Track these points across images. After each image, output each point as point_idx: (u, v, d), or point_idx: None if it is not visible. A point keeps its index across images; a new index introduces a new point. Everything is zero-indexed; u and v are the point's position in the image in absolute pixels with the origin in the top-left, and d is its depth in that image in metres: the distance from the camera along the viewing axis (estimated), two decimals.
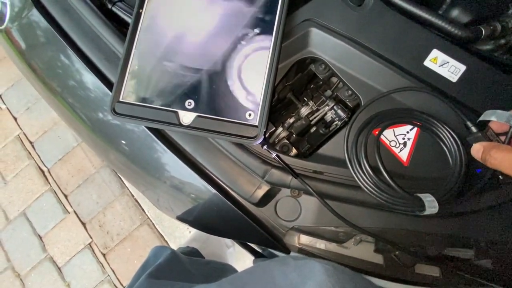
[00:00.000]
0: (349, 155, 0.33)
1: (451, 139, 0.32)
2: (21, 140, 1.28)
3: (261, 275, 0.32)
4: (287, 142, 0.40)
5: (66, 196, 1.22)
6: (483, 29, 0.35)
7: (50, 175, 1.24)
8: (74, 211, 1.20)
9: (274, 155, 0.34)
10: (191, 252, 0.78)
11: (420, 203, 0.29)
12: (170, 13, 0.35)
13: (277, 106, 0.46)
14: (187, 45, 0.34)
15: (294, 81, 0.43)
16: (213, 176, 0.36)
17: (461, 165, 0.31)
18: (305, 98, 0.42)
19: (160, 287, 0.46)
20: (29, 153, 1.27)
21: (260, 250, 0.57)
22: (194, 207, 0.40)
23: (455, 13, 0.37)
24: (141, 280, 0.48)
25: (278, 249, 0.35)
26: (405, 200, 0.30)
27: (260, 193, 0.35)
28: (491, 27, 0.35)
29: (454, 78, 0.34)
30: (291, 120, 0.40)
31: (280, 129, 0.40)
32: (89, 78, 0.40)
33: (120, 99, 0.33)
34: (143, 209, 1.19)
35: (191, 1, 0.35)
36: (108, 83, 0.38)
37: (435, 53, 0.34)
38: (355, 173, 0.32)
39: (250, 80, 0.33)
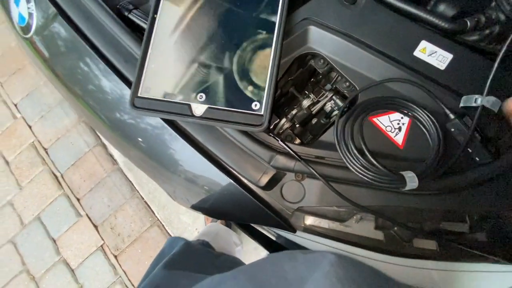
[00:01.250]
0: (338, 139, 0.36)
1: (430, 122, 0.35)
2: (36, 147, 1.34)
3: (272, 268, 0.34)
4: (291, 132, 0.43)
5: (78, 200, 1.26)
6: (468, 21, 0.38)
7: (63, 180, 1.29)
8: (87, 214, 1.24)
9: (279, 141, 0.37)
10: (203, 245, 0.79)
11: (402, 180, 0.32)
12: (181, 16, 0.39)
13: (280, 100, 0.49)
14: (198, 45, 0.38)
15: (296, 76, 0.46)
16: (223, 163, 0.39)
17: (439, 145, 0.34)
18: (306, 92, 0.45)
19: (174, 278, 0.49)
20: (43, 159, 1.32)
21: (273, 238, 0.58)
22: (207, 194, 0.43)
23: (442, 7, 0.41)
24: (156, 271, 0.51)
25: (285, 229, 0.38)
26: (388, 177, 0.32)
27: (267, 177, 0.38)
28: (476, 19, 0.38)
29: (442, 66, 0.37)
30: (294, 112, 0.43)
31: (283, 120, 0.43)
32: (108, 82, 0.44)
33: (139, 95, 0.37)
34: (152, 211, 1.23)
35: (200, 5, 0.39)
36: (127, 82, 0.42)
37: (423, 44, 0.37)
38: (343, 155, 0.35)
39: (255, 74, 0.37)
